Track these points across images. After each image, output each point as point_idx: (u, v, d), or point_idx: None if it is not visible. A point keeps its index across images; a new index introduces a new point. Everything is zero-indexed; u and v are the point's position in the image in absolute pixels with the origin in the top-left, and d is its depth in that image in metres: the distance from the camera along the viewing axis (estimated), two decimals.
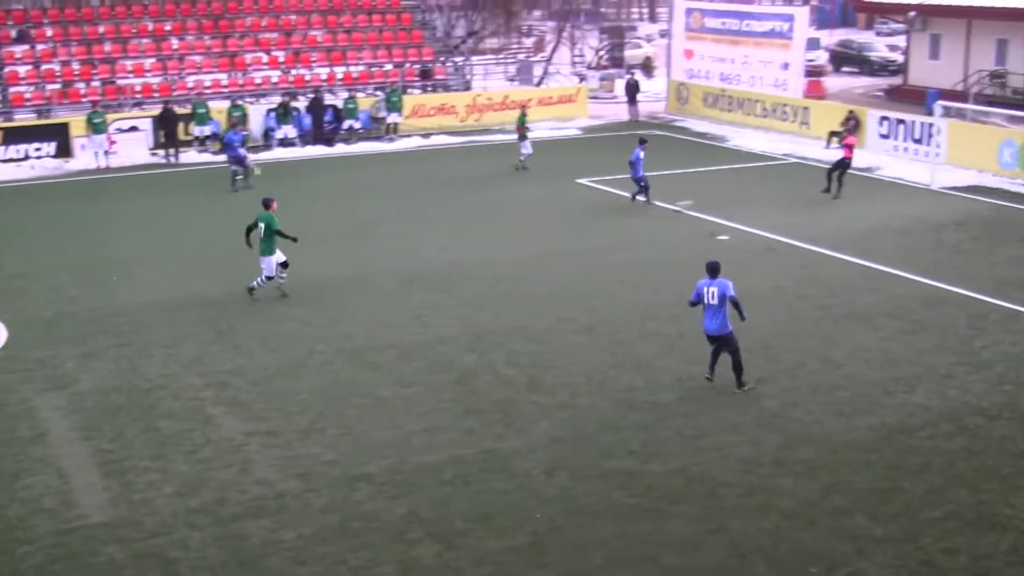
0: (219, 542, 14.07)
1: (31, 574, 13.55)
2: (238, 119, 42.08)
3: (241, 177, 36.85)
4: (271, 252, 24.16)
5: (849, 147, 34.29)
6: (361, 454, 16.46)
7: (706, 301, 18.47)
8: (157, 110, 45.30)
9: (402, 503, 14.98)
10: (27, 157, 43.99)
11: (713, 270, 18.51)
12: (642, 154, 32.42)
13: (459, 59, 55.97)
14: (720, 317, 18.46)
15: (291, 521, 14.55)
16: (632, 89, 52.49)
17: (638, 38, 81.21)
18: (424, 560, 13.71)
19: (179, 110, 44.81)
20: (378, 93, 48.98)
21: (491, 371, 19.65)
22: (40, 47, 49.73)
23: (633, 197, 33.15)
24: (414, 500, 15.06)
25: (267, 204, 24.64)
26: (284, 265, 24.37)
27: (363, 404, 18.30)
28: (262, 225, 24.20)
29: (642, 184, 32.75)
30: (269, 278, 24.36)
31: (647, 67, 70.16)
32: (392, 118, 47.30)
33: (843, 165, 33.94)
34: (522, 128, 39.26)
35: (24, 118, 46.77)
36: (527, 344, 21.05)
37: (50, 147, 44.22)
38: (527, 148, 38.91)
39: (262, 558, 13.72)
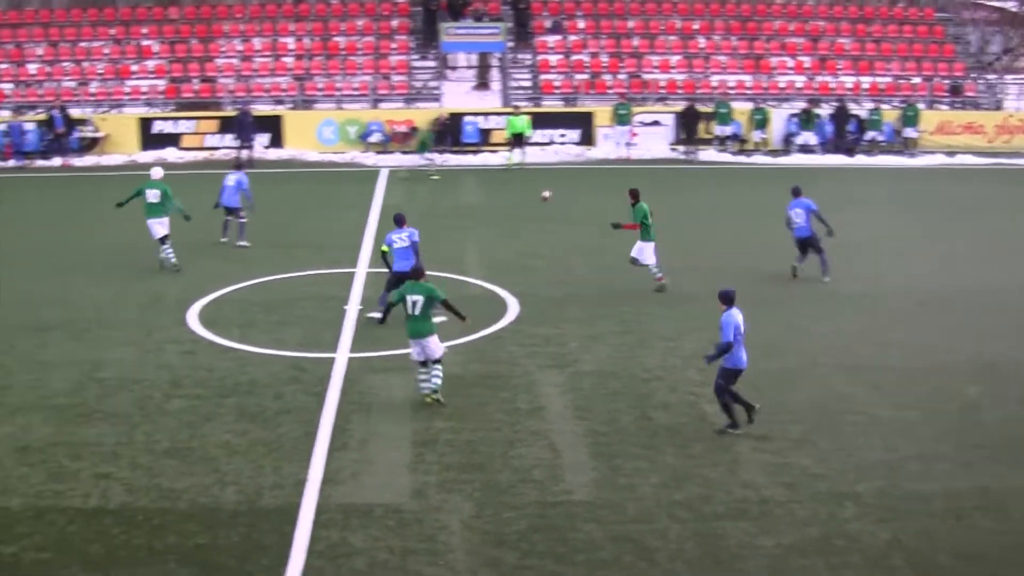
0: (698, 538, 14.01)
1: (513, 538, 13.98)
2: None
3: None
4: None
5: None
6: (851, 472, 15.95)
7: (741, 332, 17.29)
8: (680, 106, 45.99)
9: (887, 528, 14.37)
10: (552, 142, 45.83)
11: (732, 298, 17.52)
12: None
13: (991, 76, 53.55)
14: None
15: (772, 528, 14.29)
16: None
17: None
18: None
19: (701, 108, 45.28)
20: (903, 106, 47.73)
21: (998, 405, 18.53)
22: (572, 38, 51.61)
23: None
24: (900, 527, 14.41)
25: None
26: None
27: (858, 422, 17.75)
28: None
29: None
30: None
31: None
32: (908, 132, 45.89)
33: None
34: None
35: (552, 105, 48.72)
36: None
37: (574, 134, 45.86)
38: None
39: (738, 560, 13.54)
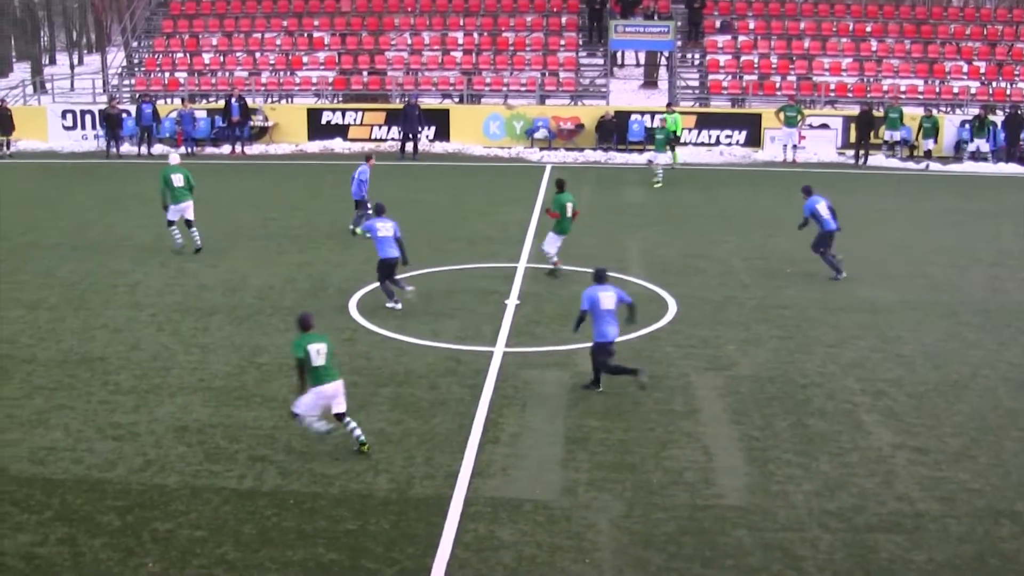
0: (848, 549, 13.73)
1: (661, 539, 13.87)
2: None
3: None
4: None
5: None
6: (1011, 489, 15.48)
7: (603, 308, 18.36)
8: (851, 110, 45.28)
9: None
10: (718, 143, 45.49)
11: (600, 277, 18.71)
12: None
13: None
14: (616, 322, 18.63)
15: (925, 543, 13.92)
16: None
17: None
18: None
19: (875, 112, 44.45)
20: None
21: None
22: (742, 38, 51.23)
23: None
24: None
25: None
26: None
27: (1021, 438, 17.19)
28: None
29: None
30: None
31: None
32: None
33: None
34: None
35: (719, 105, 48.41)
36: None
37: (740, 135, 45.46)
38: None
39: (889, 574, 13.21)
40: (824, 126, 45.55)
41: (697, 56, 52.55)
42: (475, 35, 52.13)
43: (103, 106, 47.35)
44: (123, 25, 58.69)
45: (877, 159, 43.90)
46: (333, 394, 16.16)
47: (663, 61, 58.65)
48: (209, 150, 46.56)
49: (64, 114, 48.95)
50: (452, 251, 28.07)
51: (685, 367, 20.00)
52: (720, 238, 30.07)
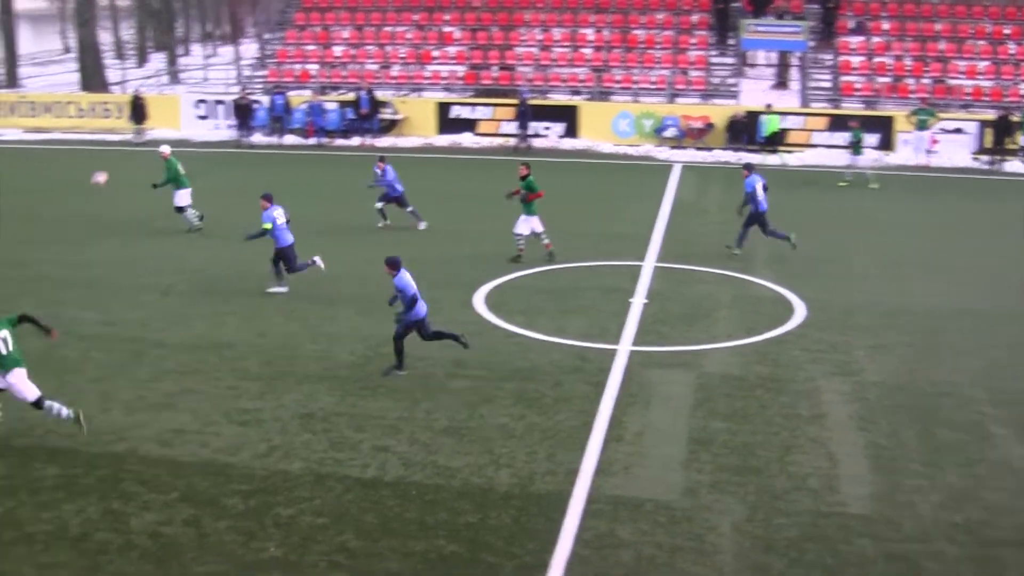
0: (975, 563, 13.45)
1: (782, 545, 13.73)
2: None
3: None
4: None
5: None
6: None
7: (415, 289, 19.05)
8: (987, 114, 44.31)
9: None
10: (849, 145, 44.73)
11: (397, 264, 19.13)
12: None
13: None
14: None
15: None
16: None
17: None
18: None
19: (1013, 118, 43.38)
20: None
21: None
22: (875, 39, 50.40)
23: None
24: None
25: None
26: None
27: None
28: None
29: None
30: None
31: None
32: None
33: None
34: None
35: (851, 107, 47.61)
36: None
37: (873, 139, 44.65)
38: None
39: None
40: (958, 130, 44.62)
41: (829, 57, 51.84)
42: (605, 32, 52.00)
43: (235, 96, 48.15)
44: (256, 17, 59.54)
45: (1013, 165, 42.89)
46: (10, 383, 16.06)
47: (795, 61, 57.93)
48: (339, 142, 47.04)
49: (197, 103, 49.88)
50: (579, 248, 28.01)
51: (812, 371, 19.76)
52: (851, 241, 29.64)
